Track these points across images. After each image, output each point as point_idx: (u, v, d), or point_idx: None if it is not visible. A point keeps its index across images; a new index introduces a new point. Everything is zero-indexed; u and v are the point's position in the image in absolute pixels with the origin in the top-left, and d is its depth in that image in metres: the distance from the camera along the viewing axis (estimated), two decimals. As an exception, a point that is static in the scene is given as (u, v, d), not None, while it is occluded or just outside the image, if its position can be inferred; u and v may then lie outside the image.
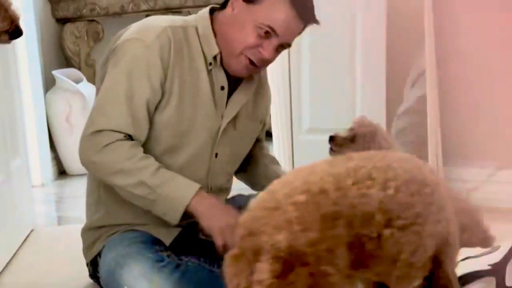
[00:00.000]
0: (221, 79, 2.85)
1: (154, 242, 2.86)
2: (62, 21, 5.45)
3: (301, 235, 1.91)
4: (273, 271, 1.90)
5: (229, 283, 2.03)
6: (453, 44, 3.93)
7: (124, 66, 2.73)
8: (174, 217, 2.71)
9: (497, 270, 2.65)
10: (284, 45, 2.79)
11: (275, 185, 2.07)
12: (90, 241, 2.97)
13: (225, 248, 2.59)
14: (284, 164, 4.06)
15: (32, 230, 3.92)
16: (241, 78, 2.90)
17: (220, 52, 2.82)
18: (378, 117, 4.04)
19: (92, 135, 2.69)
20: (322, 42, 4.14)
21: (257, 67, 2.82)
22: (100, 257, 2.91)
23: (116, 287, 2.75)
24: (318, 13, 2.81)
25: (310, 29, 3.89)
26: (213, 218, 2.71)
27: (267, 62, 2.82)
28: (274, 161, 3.21)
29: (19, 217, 3.76)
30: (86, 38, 5.42)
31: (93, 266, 2.99)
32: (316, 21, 2.81)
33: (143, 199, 2.71)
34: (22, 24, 2.67)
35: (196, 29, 2.85)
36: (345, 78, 4.17)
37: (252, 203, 2.05)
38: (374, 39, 4.15)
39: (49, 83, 5.22)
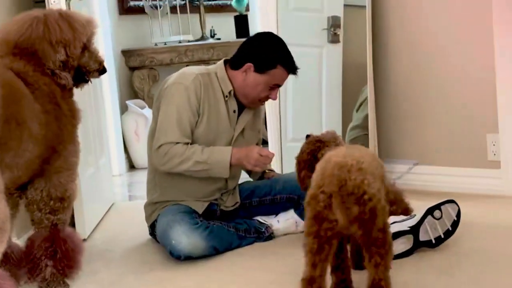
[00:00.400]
0: (234, 106, 2.93)
1: (191, 212, 2.91)
2: (132, 68, 5.47)
3: None
4: None
5: None
6: (388, 78, 3.92)
7: (173, 101, 2.83)
8: (226, 172, 2.84)
9: (413, 230, 2.66)
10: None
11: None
12: (149, 212, 3.01)
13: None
14: (275, 163, 4.05)
15: (113, 204, 3.93)
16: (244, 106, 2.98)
17: (233, 88, 2.89)
18: (336, 129, 4.06)
19: (158, 149, 2.80)
20: (301, 74, 4.08)
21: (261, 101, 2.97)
22: (156, 222, 2.93)
23: (167, 241, 2.78)
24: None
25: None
26: (247, 157, 2.83)
27: (269, 99, 2.98)
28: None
29: (104, 195, 3.78)
30: (147, 80, 5.44)
31: (152, 228, 3.02)
32: (295, 73, 2.97)
33: (202, 171, 2.83)
34: (107, 66, 2.69)
35: (216, 74, 2.92)
36: (315, 102, 4.13)
37: None
38: (334, 76, 4.14)
39: (123, 109, 5.23)
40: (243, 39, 5.50)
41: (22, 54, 2.40)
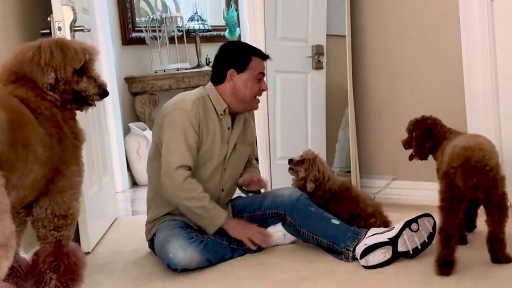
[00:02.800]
0: (228, 123, 2.90)
1: (187, 227, 2.82)
2: (134, 94, 5.41)
3: None
4: None
5: None
6: (367, 100, 3.87)
7: (176, 124, 2.77)
8: (213, 229, 2.79)
9: (392, 241, 2.59)
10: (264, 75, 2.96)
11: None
12: (149, 228, 2.95)
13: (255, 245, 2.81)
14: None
15: (116, 219, 3.85)
16: (235, 120, 2.95)
17: (227, 104, 2.85)
18: (320, 149, 4.02)
19: (173, 172, 2.71)
20: (288, 97, 4.09)
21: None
22: (155, 236, 2.86)
23: (165, 254, 2.71)
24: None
25: (281, 92, 3.89)
26: (239, 231, 2.81)
27: (266, 90, 2.99)
28: (254, 167, 3.14)
29: (107, 211, 3.69)
30: (148, 104, 5.38)
31: (151, 242, 2.95)
32: (268, 57, 2.98)
33: (198, 215, 2.76)
34: (108, 89, 2.59)
35: (208, 96, 2.86)
36: (301, 123, 4.08)
37: None
38: (319, 99, 4.09)
39: (126, 131, 5.17)
40: None
41: (20, 81, 2.32)
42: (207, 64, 5.73)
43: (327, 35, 4.11)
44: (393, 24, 3.75)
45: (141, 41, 5.49)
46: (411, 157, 2.94)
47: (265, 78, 2.96)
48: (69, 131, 2.41)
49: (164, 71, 5.42)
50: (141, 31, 5.48)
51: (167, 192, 2.76)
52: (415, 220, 2.61)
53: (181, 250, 2.65)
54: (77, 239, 3.15)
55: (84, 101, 2.49)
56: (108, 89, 4.74)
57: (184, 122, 2.76)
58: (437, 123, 2.85)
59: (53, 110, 2.34)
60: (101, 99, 2.53)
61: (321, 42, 4.09)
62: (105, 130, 3.83)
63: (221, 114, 2.88)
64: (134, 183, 5.18)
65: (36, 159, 2.22)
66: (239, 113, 2.99)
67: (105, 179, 3.66)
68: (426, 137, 2.83)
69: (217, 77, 2.91)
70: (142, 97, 5.33)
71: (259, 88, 2.91)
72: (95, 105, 2.55)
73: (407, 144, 2.96)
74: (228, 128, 2.92)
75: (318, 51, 4.09)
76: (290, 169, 3.10)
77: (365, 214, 2.98)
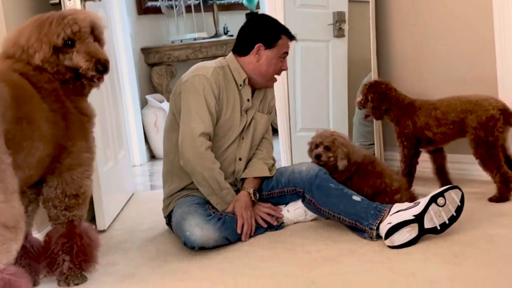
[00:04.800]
0: (248, 94, 2.81)
1: (205, 203, 2.73)
2: (151, 65, 5.28)
3: None
4: None
5: None
6: (392, 70, 3.70)
7: (197, 90, 2.68)
8: (223, 207, 2.71)
9: (418, 218, 2.46)
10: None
11: None
12: (166, 204, 2.86)
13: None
14: (285, 152, 3.88)
15: (133, 194, 3.75)
16: (255, 90, 2.88)
17: (247, 75, 2.78)
18: (342, 121, 3.87)
19: (196, 138, 2.63)
20: (309, 67, 3.93)
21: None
22: (172, 213, 2.76)
23: (181, 232, 2.61)
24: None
25: (301, 61, 3.75)
26: (239, 208, 2.69)
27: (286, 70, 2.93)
28: (264, 158, 2.92)
29: (124, 187, 3.59)
30: (165, 75, 5.26)
31: (168, 218, 2.86)
32: (295, 38, 2.88)
33: (212, 190, 2.68)
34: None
35: (228, 66, 2.78)
36: (322, 94, 3.94)
37: None
38: (340, 69, 3.94)
39: (143, 103, 5.06)
40: None
41: (15, 57, 2.20)
42: (225, 34, 5.57)
43: (349, 1, 3.94)
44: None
45: (157, 10, 5.33)
46: (366, 117, 3.25)
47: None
48: (72, 105, 2.28)
49: (181, 41, 5.28)
50: (157, 0, 5.33)
51: (186, 159, 2.65)
52: (441, 194, 2.47)
53: (198, 228, 2.54)
54: (92, 217, 3.07)
55: (85, 78, 2.28)
56: (124, 60, 4.76)
57: (205, 88, 2.68)
58: (391, 88, 3.16)
59: (53, 84, 2.22)
60: (100, 75, 2.28)
61: (343, 9, 3.92)
62: (120, 104, 3.70)
63: (240, 85, 2.80)
64: (152, 156, 5.09)
65: (42, 137, 2.12)
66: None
67: (121, 153, 3.55)
68: (382, 99, 3.13)
69: (243, 48, 2.82)
70: (159, 68, 5.20)
71: (281, 67, 2.83)
72: (99, 81, 2.31)
73: (361, 106, 3.24)
74: (248, 100, 2.82)
75: (339, 18, 3.92)
76: (322, 165, 2.85)
77: (390, 190, 2.85)
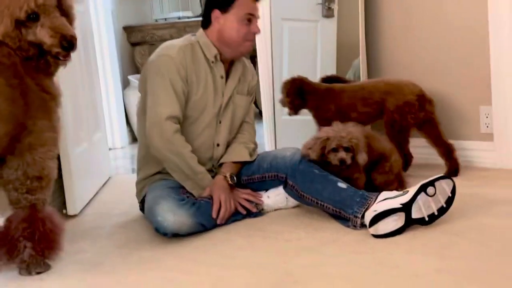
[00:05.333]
0: (220, 71, 2.62)
1: (179, 187, 2.57)
2: (134, 44, 5.12)
3: None
4: None
5: None
6: (381, 50, 3.55)
7: (162, 72, 2.49)
8: (198, 192, 2.57)
9: (406, 207, 2.31)
10: (257, 18, 2.64)
11: None
12: (139, 188, 2.73)
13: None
14: (269, 136, 3.74)
15: (109, 178, 3.59)
16: (231, 68, 2.67)
17: (218, 50, 2.59)
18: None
19: (163, 122, 2.48)
20: (296, 49, 3.82)
21: (254, 40, 2.67)
22: (146, 197, 2.61)
23: (153, 217, 2.46)
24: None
25: (288, 42, 3.61)
26: (217, 191, 2.56)
27: (255, 34, 2.65)
28: (245, 142, 2.78)
29: (99, 170, 3.42)
30: (148, 55, 5.04)
31: (142, 204, 2.70)
32: None
33: (185, 175, 2.53)
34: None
35: (198, 42, 2.59)
36: (309, 76, 3.72)
37: None
38: (329, 50, 3.79)
39: (126, 84, 4.91)
40: None
41: None
42: (212, 13, 5.39)
43: (339, -21, 3.80)
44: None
45: (141, -12, 5.16)
46: (290, 113, 3.34)
47: (263, 23, 2.70)
48: (33, 83, 2.11)
49: (165, 20, 5.12)
50: (141, -23, 5.16)
51: (154, 145, 2.52)
52: (431, 183, 2.32)
53: (171, 213, 2.39)
54: (62, 201, 2.92)
55: (51, 55, 2.11)
56: (105, 38, 4.59)
57: (170, 69, 2.51)
58: (306, 82, 3.29)
59: (12, 59, 2.05)
60: (65, 52, 2.10)
61: (332, -13, 3.77)
62: (96, 84, 3.54)
63: (212, 61, 2.62)
64: (134, 139, 4.93)
65: None
66: (236, 61, 2.72)
67: (96, 135, 3.39)
68: (296, 95, 3.25)
69: (204, 19, 2.67)
70: (142, 47, 5.04)
71: (248, 30, 2.61)
72: (65, 59, 2.13)
73: (282, 103, 3.35)
74: (222, 77, 2.65)
75: (329, -3, 3.76)
76: (346, 167, 2.64)
77: None
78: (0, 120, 1.96)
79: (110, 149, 4.40)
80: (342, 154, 2.57)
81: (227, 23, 2.58)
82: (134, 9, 5.18)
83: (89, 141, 3.23)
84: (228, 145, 2.75)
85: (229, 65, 2.70)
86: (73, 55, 2.16)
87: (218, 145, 2.68)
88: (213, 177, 2.65)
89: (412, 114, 3.03)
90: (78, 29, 2.21)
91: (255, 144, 2.82)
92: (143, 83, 2.60)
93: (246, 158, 2.70)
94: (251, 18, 2.60)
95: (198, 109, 2.60)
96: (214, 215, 2.51)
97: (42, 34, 2.06)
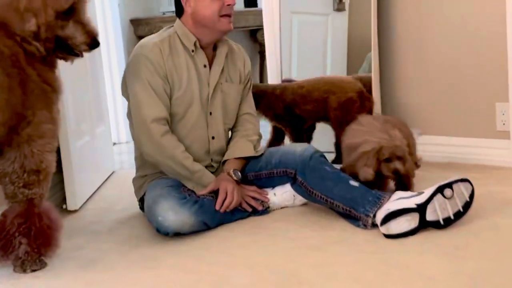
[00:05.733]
0: (203, 59, 2.51)
1: (180, 185, 2.46)
2: (140, 37, 4.95)
3: None
4: None
5: None
6: (393, 44, 3.44)
7: (139, 73, 2.41)
8: (199, 190, 2.47)
9: (420, 208, 2.21)
10: None
11: None
12: (138, 185, 2.61)
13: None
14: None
15: (113, 172, 3.51)
16: (214, 58, 2.55)
17: (198, 39, 2.46)
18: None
19: (149, 125, 2.39)
20: (305, 43, 3.72)
21: (231, 15, 2.48)
22: (145, 196, 2.51)
23: (153, 217, 2.36)
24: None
25: (298, 36, 3.50)
26: (224, 183, 2.46)
27: (231, 7, 2.46)
28: (247, 135, 2.66)
29: (101, 164, 3.34)
30: (155, 48, 4.98)
31: (141, 202, 2.60)
32: None
33: (181, 176, 2.42)
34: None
35: (176, 33, 2.47)
36: (319, 71, 3.70)
37: None
38: (339, 45, 3.69)
39: (132, 77, 4.78)
40: (251, 9, 5.22)
41: None
42: (220, 6, 5.29)
43: (351, -28, 3.71)
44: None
45: (149, -20, 5.07)
46: None
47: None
48: (35, 73, 2.04)
49: (173, 12, 5.00)
50: (148, -32, 5.07)
51: (144, 151, 2.44)
52: (449, 185, 2.21)
53: (171, 212, 2.30)
54: (63, 195, 2.84)
55: (70, 51, 2.11)
56: (111, 31, 4.51)
57: (147, 70, 2.40)
58: (259, 89, 3.20)
59: (14, 49, 1.98)
60: (91, 50, 2.15)
61: (344, -20, 3.68)
62: (101, 76, 3.45)
63: (192, 51, 2.49)
64: (140, 134, 4.83)
65: None
66: (220, 46, 2.57)
67: (99, 129, 3.31)
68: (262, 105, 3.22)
69: (177, 8, 2.54)
70: (149, 41, 4.94)
71: (221, 4, 2.43)
72: (82, 56, 2.17)
73: None
74: (205, 66, 2.52)
75: (340, -10, 3.67)
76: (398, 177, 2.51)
77: None
78: None
79: (115, 143, 4.32)
80: (397, 164, 2.42)
81: (198, 3, 2.43)
82: (141, 2, 5.09)
83: (92, 135, 3.15)
84: (229, 139, 2.66)
85: (213, 52, 2.57)
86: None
87: (213, 138, 2.58)
88: (213, 172, 2.56)
89: (355, 110, 3.06)
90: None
91: (259, 135, 2.72)
92: (124, 87, 2.50)
93: (250, 152, 2.60)
94: None
95: (184, 105, 2.49)
96: (217, 206, 2.41)
97: (74, 29, 2.06)
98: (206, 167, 2.55)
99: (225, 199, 2.42)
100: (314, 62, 3.73)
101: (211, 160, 2.60)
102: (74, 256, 2.25)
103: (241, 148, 2.60)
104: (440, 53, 3.28)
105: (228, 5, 2.45)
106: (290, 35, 3.70)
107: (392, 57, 3.46)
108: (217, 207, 2.42)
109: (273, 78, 3.68)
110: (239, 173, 2.55)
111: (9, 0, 1.98)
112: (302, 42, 3.75)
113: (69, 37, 2.06)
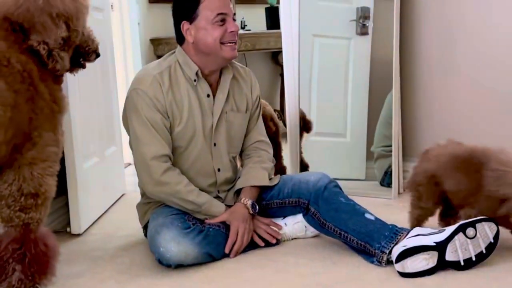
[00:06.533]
0: (206, 89, 2.39)
1: (185, 214, 2.33)
2: (159, 57, 4.92)
3: None
4: None
5: None
6: (416, 73, 3.31)
7: (137, 109, 2.32)
8: (210, 219, 2.35)
9: (440, 247, 2.05)
10: (233, 17, 2.35)
11: None
12: (142, 212, 2.49)
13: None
14: (293, 158, 3.51)
15: (123, 194, 3.40)
16: (218, 85, 2.43)
17: (200, 68, 2.34)
18: (361, 126, 3.49)
19: (149, 163, 2.29)
20: (326, 66, 3.58)
21: (235, 42, 2.34)
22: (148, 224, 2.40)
23: (155, 248, 2.24)
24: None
25: (319, 60, 3.37)
26: (236, 222, 2.34)
27: (237, 33, 2.35)
28: (261, 161, 2.53)
29: (110, 186, 3.22)
30: (175, 68, 4.91)
31: (146, 229, 2.48)
32: None
33: (188, 210, 2.36)
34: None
35: (178, 61, 2.35)
36: (341, 95, 3.56)
37: None
38: (362, 70, 3.56)
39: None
40: (273, 31, 5.13)
41: (3, 29, 1.91)
42: (242, 28, 5.21)
43: (375, -4, 3.60)
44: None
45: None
46: None
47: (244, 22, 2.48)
48: (47, 91, 1.97)
49: (193, 33, 4.94)
50: (169, -12, 5.00)
51: (147, 190, 2.34)
52: (472, 224, 2.06)
53: (174, 243, 2.17)
54: (67, 218, 2.74)
55: (78, 61, 2.13)
56: (130, 51, 4.44)
57: (145, 106, 2.29)
58: None
59: (28, 66, 1.91)
60: (95, 60, 2.19)
61: (368, 4, 3.54)
62: (114, 95, 3.36)
63: (194, 80, 2.36)
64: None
65: None
66: (225, 73, 2.44)
67: (110, 149, 3.21)
68: None
69: (177, 36, 2.41)
70: (169, 61, 4.87)
71: (224, 31, 2.31)
72: (85, 67, 2.18)
73: None
74: (208, 96, 2.40)
75: (363, 14, 3.54)
76: None
77: None
78: None
79: (129, 164, 4.22)
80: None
81: (199, 31, 2.30)
82: (161, 21, 5.02)
83: (101, 156, 3.05)
84: (235, 166, 2.54)
85: (219, 78, 2.45)
86: (88, 65, 2.21)
87: (219, 170, 2.45)
88: (222, 201, 2.45)
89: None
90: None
91: (273, 161, 2.60)
92: (125, 120, 2.42)
93: (265, 182, 2.47)
94: (224, 17, 2.31)
95: (186, 137, 2.37)
96: (227, 250, 2.30)
97: (87, 36, 2.10)
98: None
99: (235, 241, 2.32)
100: (335, 86, 3.61)
101: (218, 191, 2.48)
102: (70, 285, 2.14)
103: (256, 176, 2.46)
104: (467, 79, 3.14)
105: (232, 31, 2.33)
106: (311, 58, 3.59)
107: (414, 85, 3.33)
108: (227, 251, 2.30)
109: (290, 102, 3.57)
110: (257, 206, 2.42)
111: (40, 6, 1.93)
112: (323, 66, 3.64)
113: (86, 44, 2.10)
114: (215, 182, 2.44)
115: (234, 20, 2.35)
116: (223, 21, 2.31)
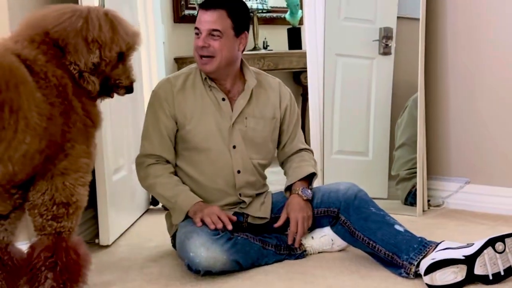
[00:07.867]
0: (219, 94, 2.46)
1: (213, 222, 2.34)
2: (184, 76, 4.98)
3: None
4: None
5: None
6: (439, 91, 3.31)
7: (150, 108, 2.51)
8: (180, 218, 2.38)
9: (469, 261, 2.04)
10: (211, 32, 2.38)
11: None
12: (170, 222, 2.51)
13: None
14: (318, 175, 3.49)
15: (150, 207, 3.42)
16: (243, 89, 2.49)
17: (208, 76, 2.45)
18: (383, 146, 3.49)
19: (142, 156, 2.49)
20: (349, 86, 3.58)
21: (203, 57, 2.39)
22: (177, 232, 2.41)
23: (185, 253, 2.26)
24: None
25: (342, 79, 3.37)
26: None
27: (201, 48, 2.38)
28: (302, 159, 2.58)
29: (138, 199, 3.26)
30: (198, 87, 4.94)
31: (173, 239, 2.49)
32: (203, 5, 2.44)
33: (168, 207, 2.47)
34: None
35: (197, 68, 2.49)
36: (363, 114, 3.56)
37: None
38: (384, 89, 3.57)
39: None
40: (295, 51, 5.16)
41: (45, 43, 1.95)
42: (265, 48, 5.25)
43: (398, 17, 3.59)
44: (476, 4, 3.15)
45: (194, 19, 4.99)
46: None
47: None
48: (80, 106, 2.01)
49: (217, 52, 4.98)
50: (194, 8, 5.05)
51: (138, 178, 2.52)
52: (501, 238, 2.05)
53: (203, 248, 2.19)
54: (96, 230, 2.76)
55: (107, 91, 2.15)
56: (155, 70, 4.49)
57: (156, 105, 2.46)
58: None
59: (63, 81, 1.95)
60: (124, 95, 2.21)
61: (391, 25, 3.57)
62: (141, 113, 3.39)
63: (209, 85, 2.45)
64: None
65: (29, 128, 1.83)
66: (249, 81, 2.48)
67: (137, 164, 3.23)
68: None
69: None
70: (193, 80, 4.90)
71: (196, 44, 2.43)
72: (112, 97, 2.21)
73: None
74: (223, 99, 2.45)
75: (386, 35, 3.56)
76: None
77: None
78: (31, 135, 1.83)
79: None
80: None
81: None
82: (185, 40, 5.07)
83: (129, 169, 3.07)
84: (259, 171, 2.55)
85: (231, 84, 2.48)
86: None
87: (238, 172, 2.47)
88: (244, 208, 2.48)
89: None
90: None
91: (314, 161, 2.63)
92: None
93: (311, 170, 2.51)
94: (197, 31, 2.42)
95: (200, 136, 2.43)
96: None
97: (122, 72, 2.10)
98: (237, 203, 2.47)
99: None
100: (357, 105, 3.62)
101: (240, 195, 2.48)
102: (101, 294, 2.15)
103: (301, 170, 2.51)
104: (492, 100, 3.12)
105: (197, 46, 2.41)
106: (334, 77, 3.61)
107: (438, 103, 3.32)
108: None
109: (315, 120, 3.58)
110: (308, 190, 2.46)
111: (78, 28, 1.97)
112: (345, 85, 3.65)
113: (116, 78, 2.10)
114: (234, 184, 2.46)
115: (213, 35, 2.37)
116: (197, 34, 2.42)
